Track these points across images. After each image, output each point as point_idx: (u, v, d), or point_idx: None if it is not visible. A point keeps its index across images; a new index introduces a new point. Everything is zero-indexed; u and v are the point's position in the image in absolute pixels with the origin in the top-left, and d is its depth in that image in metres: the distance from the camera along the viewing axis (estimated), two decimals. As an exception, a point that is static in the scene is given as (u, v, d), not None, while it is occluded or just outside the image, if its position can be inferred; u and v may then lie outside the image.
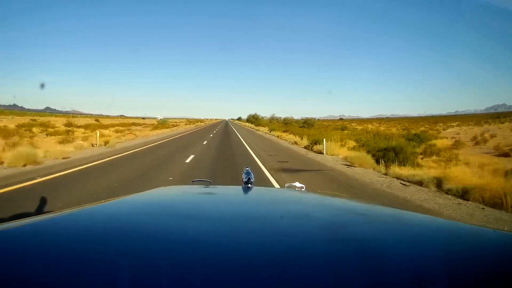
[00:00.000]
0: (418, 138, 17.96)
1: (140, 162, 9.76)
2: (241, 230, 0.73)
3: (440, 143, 18.82)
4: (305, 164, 10.21)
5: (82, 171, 7.72)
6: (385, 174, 8.49)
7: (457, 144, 19.35)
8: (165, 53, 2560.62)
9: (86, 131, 24.63)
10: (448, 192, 6.03)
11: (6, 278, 0.45)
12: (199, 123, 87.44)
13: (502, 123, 52.78)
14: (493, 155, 15.21)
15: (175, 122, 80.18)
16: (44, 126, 29.71)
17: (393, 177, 7.89)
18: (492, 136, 26.32)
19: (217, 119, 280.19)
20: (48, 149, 10.05)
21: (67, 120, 44.54)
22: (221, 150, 14.29)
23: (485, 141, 22.96)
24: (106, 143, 14.09)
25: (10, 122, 36.68)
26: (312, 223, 0.81)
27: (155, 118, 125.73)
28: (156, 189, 1.38)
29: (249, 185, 1.38)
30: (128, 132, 25.62)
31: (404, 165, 8.89)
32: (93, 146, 13.52)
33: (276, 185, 6.39)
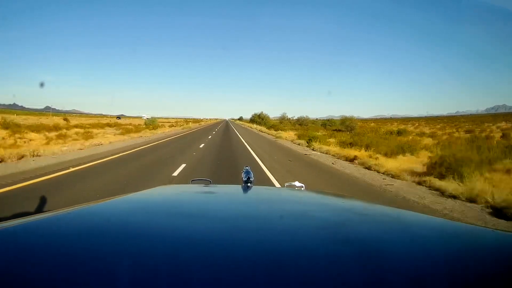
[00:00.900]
0: None
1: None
2: (240, 229, 0.73)
3: None
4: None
5: None
6: None
7: None
8: (165, 52, 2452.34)
9: (24, 134, 14.92)
10: None
11: (5, 278, 0.45)
12: (197, 124, 75.81)
13: None
14: None
15: (173, 122, 69.43)
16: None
17: None
18: None
19: (216, 119, 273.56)
20: None
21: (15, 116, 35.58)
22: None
23: None
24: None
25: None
26: (312, 223, 0.81)
27: (141, 117, 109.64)
28: (155, 188, 1.38)
29: (249, 184, 1.37)
30: (88, 135, 16.56)
31: None
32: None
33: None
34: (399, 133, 25.32)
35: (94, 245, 0.58)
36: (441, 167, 6.81)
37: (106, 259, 0.53)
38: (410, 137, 21.00)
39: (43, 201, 4.41)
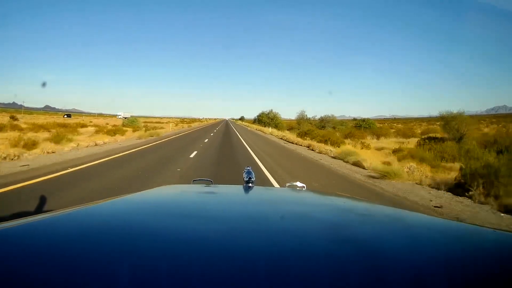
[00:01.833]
0: None
1: None
2: (242, 229, 0.73)
3: None
4: None
5: None
6: None
7: None
8: (165, 52, 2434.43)
9: None
10: None
11: (6, 278, 0.45)
12: (190, 124, 60.23)
13: None
14: None
15: (164, 122, 60.13)
16: None
17: None
18: None
19: (215, 119, 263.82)
20: None
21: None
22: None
23: None
24: None
25: None
26: (313, 223, 0.81)
27: (116, 116, 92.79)
28: (157, 188, 1.38)
29: (250, 184, 1.36)
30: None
31: None
32: None
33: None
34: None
35: (95, 246, 0.59)
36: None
37: (107, 260, 0.53)
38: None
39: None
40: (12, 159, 8.07)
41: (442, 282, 0.50)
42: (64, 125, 25.01)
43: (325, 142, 16.32)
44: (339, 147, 14.02)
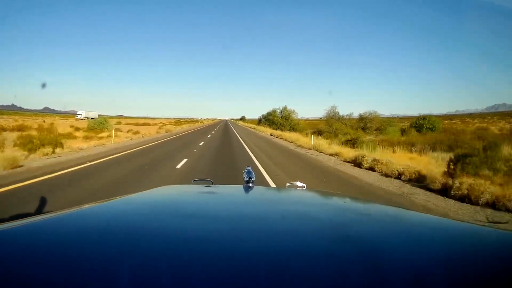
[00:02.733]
0: None
1: None
2: (242, 229, 0.73)
3: None
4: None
5: None
6: None
7: None
8: (165, 52, 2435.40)
9: None
10: None
11: (6, 278, 0.45)
12: (182, 126, 49.95)
13: None
14: None
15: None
16: None
17: None
18: None
19: (214, 119, 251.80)
20: None
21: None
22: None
23: None
24: None
25: None
26: (313, 223, 0.81)
27: (75, 117, 77.67)
28: (157, 188, 1.38)
29: (250, 184, 1.36)
30: None
31: None
32: None
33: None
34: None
35: (96, 246, 0.59)
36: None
37: (108, 260, 0.53)
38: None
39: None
40: None
41: (442, 282, 0.50)
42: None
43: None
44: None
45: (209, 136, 24.57)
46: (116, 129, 23.20)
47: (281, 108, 41.61)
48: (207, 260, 0.53)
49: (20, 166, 7.82)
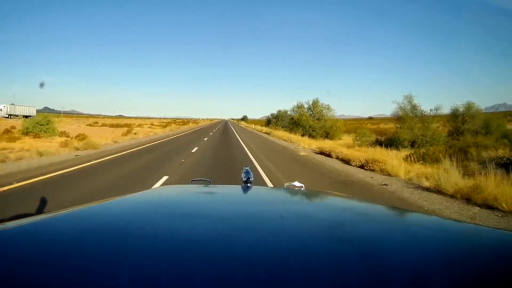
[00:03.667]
0: None
1: None
2: (240, 229, 0.73)
3: None
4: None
5: None
6: None
7: None
8: (165, 51, 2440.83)
9: None
10: None
11: (6, 278, 0.45)
12: (172, 129, 38.17)
13: None
14: None
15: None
16: None
17: None
18: None
19: (212, 120, 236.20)
20: None
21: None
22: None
23: None
24: None
25: None
26: (312, 223, 0.81)
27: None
28: (155, 188, 1.42)
29: (249, 184, 1.36)
30: None
31: None
32: None
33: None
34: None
35: (94, 246, 0.59)
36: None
37: (107, 260, 0.53)
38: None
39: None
40: None
41: (441, 282, 0.50)
42: None
43: None
44: None
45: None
46: (62, 133, 17.05)
47: (310, 103, 26.00)
48: (205, 260, 0.53)
49: None
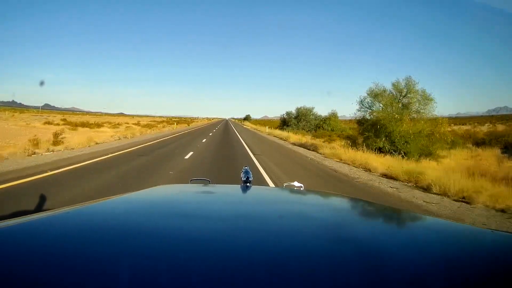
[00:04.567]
0: None
1: None
2: (239, 229, 0.73)
3: None
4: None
5: None
6: None
7: None
8: (165, 50, 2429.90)
9: None
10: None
11: (4, 277, 0.45)
12: (161, 129, 30.41)
13: None
14: None
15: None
16: None
17: None
18: None
19: (211, 119, 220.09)
20: None
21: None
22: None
23: None
24: None
25: None
26: (311, 223, 0.80)
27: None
28: (154, 188, 1.37)
29: (248, 184, 1.35)
30: None
31: None
32: None
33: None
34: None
35: (93, 245, 0.58)
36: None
37: (105, 259, 0.53)
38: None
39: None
40: None
41: (440, 282, 0.50)
42: None
43: None
44: None
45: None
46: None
47: (402, 84, 11.71)
48: (204, 259, 0.53)
49: None
